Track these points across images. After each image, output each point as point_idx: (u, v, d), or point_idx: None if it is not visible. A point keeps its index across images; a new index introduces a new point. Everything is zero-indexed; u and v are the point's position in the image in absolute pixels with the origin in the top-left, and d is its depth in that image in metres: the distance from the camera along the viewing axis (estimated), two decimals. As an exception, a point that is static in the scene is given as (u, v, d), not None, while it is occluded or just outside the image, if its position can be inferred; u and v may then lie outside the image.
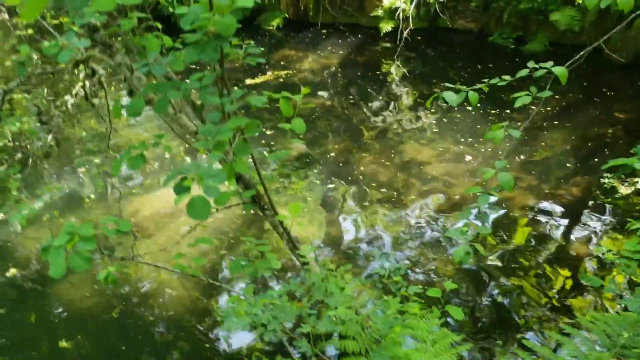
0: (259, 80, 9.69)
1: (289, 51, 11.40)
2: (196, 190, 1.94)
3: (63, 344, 4.18)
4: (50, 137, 4.96)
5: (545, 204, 5.81)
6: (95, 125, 7.71)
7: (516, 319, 4.29)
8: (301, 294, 2.58)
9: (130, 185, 6.32)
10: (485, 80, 3.00)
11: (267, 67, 10.21)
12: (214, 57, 2.00)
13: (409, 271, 4.80)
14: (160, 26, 2.52)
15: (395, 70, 10.39)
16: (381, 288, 4.15)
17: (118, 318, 4.43)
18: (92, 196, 6.12)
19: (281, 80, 9.74)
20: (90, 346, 4.20)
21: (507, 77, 2.97)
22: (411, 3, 11.28)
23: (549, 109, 8.09)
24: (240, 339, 4.18)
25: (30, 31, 6.59)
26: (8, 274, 4.92)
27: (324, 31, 12.64)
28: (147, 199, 6.05)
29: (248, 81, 9.56)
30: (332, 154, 7.02)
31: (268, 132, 7.42)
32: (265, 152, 6.93)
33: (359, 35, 12.30)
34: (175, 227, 5.53)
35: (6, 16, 5.59)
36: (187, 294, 4.67)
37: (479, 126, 7.61)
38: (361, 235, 5.39)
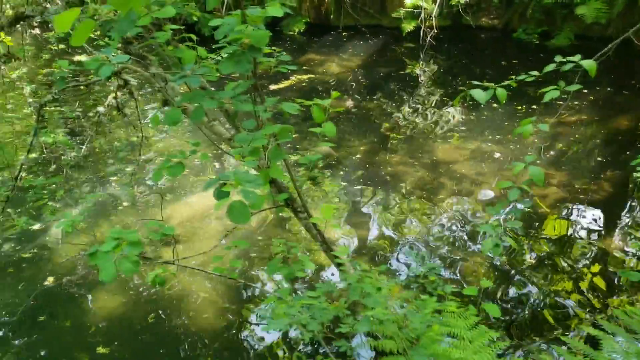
0: (282, 85, 9.77)
1: (312, 55, 11.46)
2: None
3: (101, 350, 4.28)
4: (84, 147, 5.12)
5: (577, 200, 5.75)
6: (125, 135, 7.88)
7: (552, 315, 4.26)
8: (337, 295, 2.62)
9: (161, 193, 6.44)
10: (511, 76, 3.00)
11: (289, 72, 10.28)
12: (249, 68, 2.06)
13: (443, 270, 4.80)
14: (194, 37, 2.59)
15: (419, 69, 10.37)
16: (417, 288, 4.16)
17: (153, 323, 4.51)
18: (125, 204, 6.26)
19: (304, 84, 9.81)
20: (127, 352, 4.29)
21: (535, 73, 2.95)
22: (434, 3, 11.24)
23: (577, 103, 7.99)
24: (274, 341, 4.23)
25: (61, 45, 6.78)
26: (46, 283, 5.06)
27: (345, 34, 12.68)
28: (178, 206, 6.16)
29: (272, 87, 9.65)
30: (358, 156, 7.05)
31: (293, 135, 7.49)
32: (291, 156, 7.00)
33: (381, 37, 12.31)
34: (206, 233, 5.63)
35: (38, 31, 5.77)
36: (219, 297, 4.75)
37: (506, 123, 7.56)
38: (392, 236, 5.40)
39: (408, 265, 4.97)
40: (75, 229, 3.36)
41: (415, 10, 11.40)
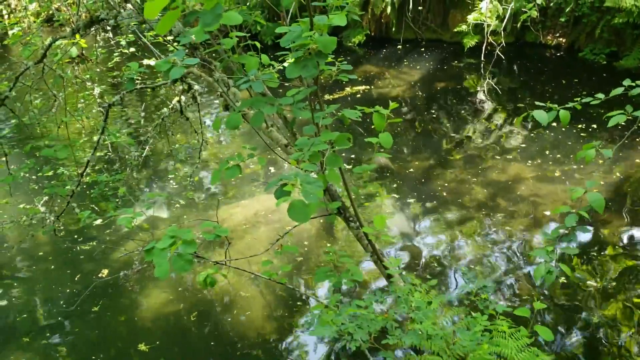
0: (337, 95, 9.82)
1: (369, 67, 11.48)
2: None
3: (142, 347, 4.40)
4: (146, 148, 5.32)
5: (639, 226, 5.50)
6: (185, 138, 8.13)
7: (609, 344, 4.08)
8: (386, 306, 2.61)
9: (216, 196, 6.60)
10: (574, 96, 2.93)
11: (345, 82, 10.32)
12: (314, 72, 2.11)
13: (495, 290, 4.68)
14: (258, 45, 2.66)
15: (479, 85, 10.21)
16: (467, 305, 4.08)
17: (198, 322, 4.60)
18: (182, 202, 6.45)
19: (359, 96, 9.82)
20: (174, 347, 4.39)
21: (601, 96, 2.87)
22: (501, 20, 11.03)
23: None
24: (319, 348, 4.23)
25: (132, 49, 7.10)
26: (101, 275, 5.27)
27: (403, 47, 12.64)
28: (230, 209, 6.28)
29: (327, 97, 9.72)
30: (412, 170, 6.99)
31: (349, 145, 7.49)
32: (345, 165, 7.02)
33: (441, 51, 12.19)
34: (255, 237, 5.70)
35: (110, 35, 6.06)
36: (265, 301, 4.80)
37: (569, 143, 7.32)
38: (444, 253, 5.31)
39: (459, 282, 4.88)
40: (134, 225, 3.50)
41: (477, 22, 11.22)
